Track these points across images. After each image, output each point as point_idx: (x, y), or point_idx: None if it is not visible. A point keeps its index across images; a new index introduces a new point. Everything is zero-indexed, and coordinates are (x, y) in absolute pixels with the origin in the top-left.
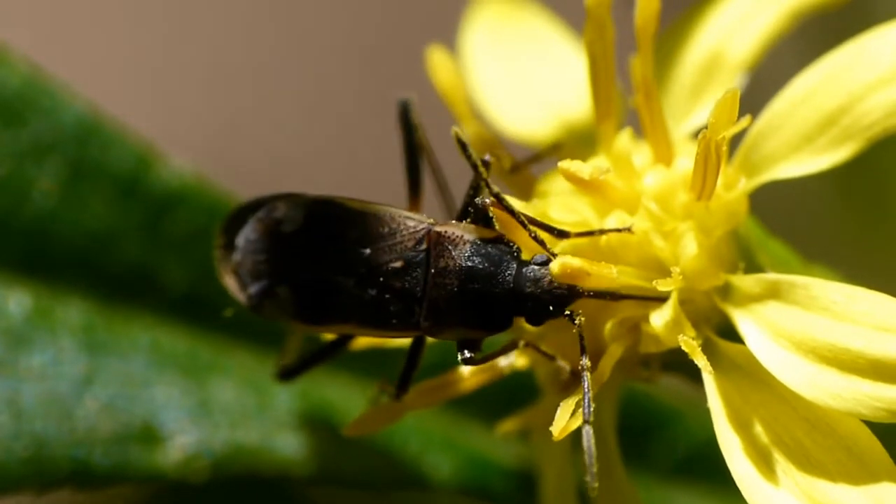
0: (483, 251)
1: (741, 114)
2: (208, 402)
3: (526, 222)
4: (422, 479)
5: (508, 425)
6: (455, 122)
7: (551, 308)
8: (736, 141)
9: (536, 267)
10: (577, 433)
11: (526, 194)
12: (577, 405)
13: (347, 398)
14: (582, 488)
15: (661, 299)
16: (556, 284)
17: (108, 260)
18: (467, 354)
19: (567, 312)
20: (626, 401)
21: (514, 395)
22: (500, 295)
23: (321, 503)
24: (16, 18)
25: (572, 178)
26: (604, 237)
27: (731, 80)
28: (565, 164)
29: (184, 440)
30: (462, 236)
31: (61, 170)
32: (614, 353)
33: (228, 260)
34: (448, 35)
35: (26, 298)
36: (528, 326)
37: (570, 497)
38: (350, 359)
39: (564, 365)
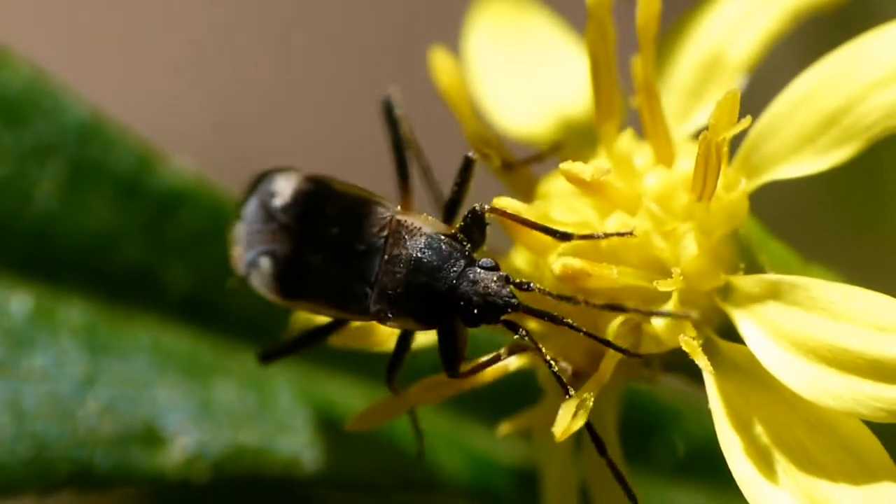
0: (435, 245)
1: (742, 114)
2: (210, 403)
3: (533, 224)
4: (424, 480)
5: (510, 426)
6: (457, 122)
7: (484, 314)
8: (737, 141)
9: (480, 270)
10: (580, 434)
11: (527, 195)
12: (579, 405)
13: (349, 399)
14: (584, 489)
15: (651, 312)
16: (491, 291)
17: (110, 261)
18: (451, 367)
19: (511, 323)
20: (628, 401)
21: (517, 395)
22: (440, 290)
23: (323, 502)
24: (17, 20)
25: (573, 180)
26: (607, 229)
27: (732, 81)
28: (566, 165)
29: (185, 441)
30: (420, 228)
31: (63, 171)
32: (616, 353)
33: (235, 232)
34: (450, 36)
35: (28, 299)
36: (530, 326)
37: (572, 498)
38: (352, 360)
39: (566, 366)
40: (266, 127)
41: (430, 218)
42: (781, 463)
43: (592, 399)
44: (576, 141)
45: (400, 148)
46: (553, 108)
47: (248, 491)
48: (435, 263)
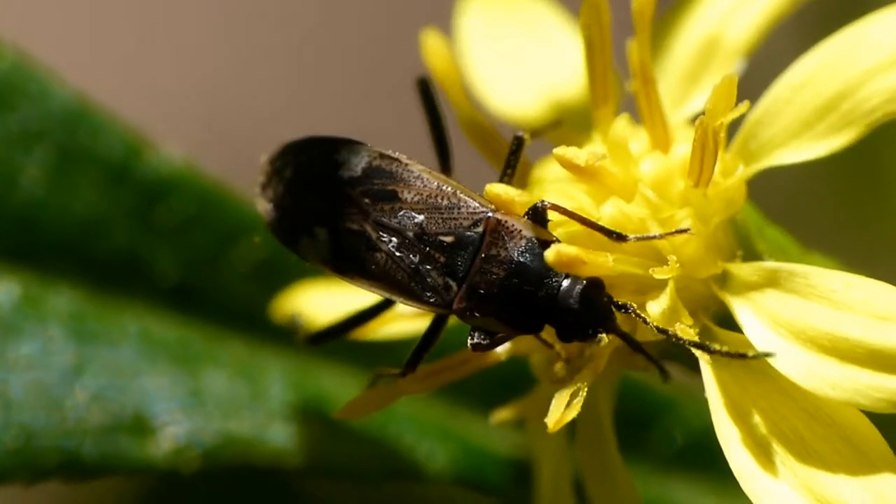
0: (538, 251)
1: (739, 99)
2: (200, 392)
3: (591, 223)
4: (416, 470)
5: (503, 415)
6: (450, 105)
7: (584, 332)
8: (734, 126)
9: (585, 286)
10: (573, 422)
11: (521, 181)
12: (573, 395)
13: (342, 389)
14: (578, 478)
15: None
16: (599, 310)
17: (98, 248)
18: (477, 340)
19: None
20: (623, 390)
21: (510, 383)
22: (541, 300)
23: (314, 495)
24: (2, 5)
25: (568, 165)
26: (602, 220)
27: (729, 65)
28: (561, 150)
29: (174, 431)
30: (521, 231)
31: (50, 157)
32: (611, 341)
33: (271, 188)
34: (442, 18)
35: (15, 287)
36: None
37: (565, 488)
38: (345, 349)
39: (561, 351)
40: (258, 114)
41: (529, 222)
42: (780, 454)
43: (587, 388)
44: (570, 125)
45: (440, 131)
46: (547, 92)
47: (237, 481)
48: (538, 270)
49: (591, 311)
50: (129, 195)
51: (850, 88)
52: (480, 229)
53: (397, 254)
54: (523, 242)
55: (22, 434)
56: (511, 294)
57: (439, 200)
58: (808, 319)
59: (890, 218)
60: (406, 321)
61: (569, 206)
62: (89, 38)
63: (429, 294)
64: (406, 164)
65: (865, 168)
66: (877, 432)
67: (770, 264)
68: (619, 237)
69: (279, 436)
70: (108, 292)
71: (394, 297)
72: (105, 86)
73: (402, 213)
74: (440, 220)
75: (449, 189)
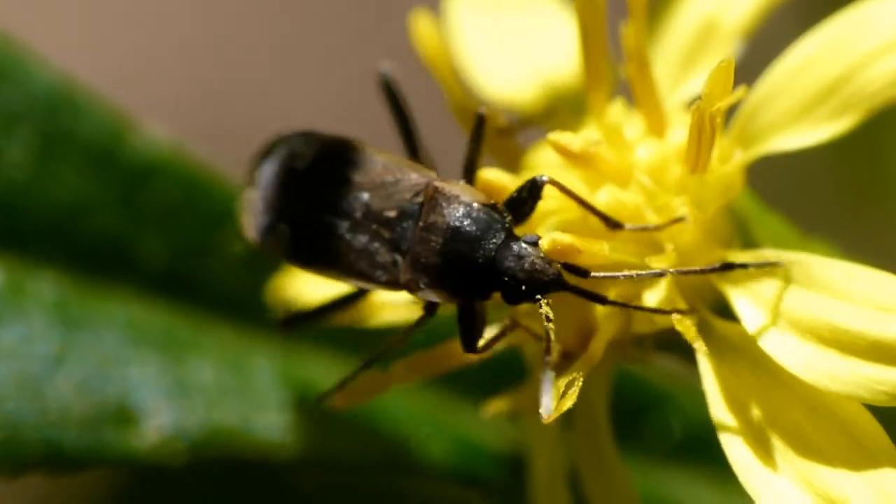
0: (474, 214)
1: (737, 83)
2: (186, 382)
3: (590, 206)
4: (407, 463)
5: (497, 406)
6: (440, 88)
7: (527, 290)
8: (733, 110)
9: (524, 245)
10: (568, 415)
11: (513, 166)
12: (568, 386)
13: (331, 378)
14: (572, 472)
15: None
16: (538, 267)
17: (82, 233)
18: (470, 343)
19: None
20: (619, 382)
21: (503, 375)
22: (479, 263)
23: (302, 489)
24: None
25: (562, 151)
26: (598, 202)
27: (727, 48)
28: (555, 135)
29: (160, 421)
30: (458, 196)
31: (32, 140)
32: (606, 332)
33: (247, 198)
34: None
35: None
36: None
37: (559, 481)
38: (333, 338)
39: (555, 344)
40: (247, 95)
41: (468, 186)
42: (779, 447)
43: (582, 379)
44: (564, 110)
45: (407, 124)
46: (540, 76)
47: (224, 474)
48: (474, 233)
49: (532, 271)
50: (114, 179)
51: (850, 72)
52: (420, 199)
53: (347, 236)
54: (461, 207)
55: (5, 425)
56: (451, 261)
57: (385, 177)
58: (807, 310)
59: (891, 204)
60: (396, 310)
61: (562, 193)
62: (76, 19)
63: (379, 273)
64: (354, 147)
65: (866, 153)
66: (878, 426)
67: (769, 253)
68: (615, 225)
69: (267, 427)
70: (92, 279)
71: (354, 283)
72: (89, 65)
73: (350, 195)
74: (385, 197)
75: (394, 165)
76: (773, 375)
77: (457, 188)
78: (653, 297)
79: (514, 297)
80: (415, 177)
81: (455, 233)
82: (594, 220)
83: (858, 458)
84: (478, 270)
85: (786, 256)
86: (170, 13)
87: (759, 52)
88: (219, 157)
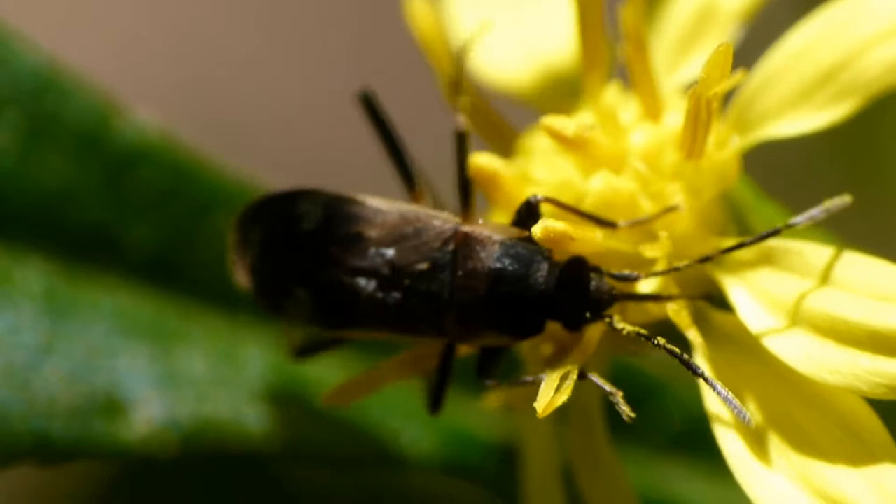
0: (513, 252)
1: (735, 68)
2: (176, 373)
3: (584, 213)
4: (399, 456)
5: (491, 400)
6: (434, 72)
7: (589, 313)
8: (730, 96)
9: (572, 269)
10: (562, 409)
11: (506, 151)
12: (562, 379)
13: (323, 371)
14: (566, 467)
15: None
16: (595, 287)
17: (68, 220)
18: (485, 371)
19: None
20: (614, 374)
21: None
22: (532, 297)
23: (294, 482)
24: None
25: (555, 135)
26: (588, 198)
27: (726, 32)
28: (549, 120)
29: (149, 412)
30: (490, 236)
31: (18, 125)
32: (600, 324)
33: (244, 257)
34: None
35: None
36: None
37: (553, 474)
38: None
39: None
40: (237, 80)
41: (496, 224)
42: (775, 442)
43: (577, 372)
44: (559, 92)
45: (396, 148)
46: (536, 58)
47: (213, 466)
48: (519, 271)
49: (582, 293)
50: (101, 165)
51: (849, 58)
52: (451, 247)
53: (379, 295)
54: (496, 248)
55: None
56: (500, 302)
57: (404, 229)
58: (804, 299)
59: (889, 192)
60: None
61: (556, 178)
62: (64, 2)
63: (422, 327)
64: (363, 201)
65: (864, 140)
66: (877, 420)
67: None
68: (610, 225)
69: (257, 419)
70: (79, 266)
71: (398, 338)
72: (77, 48)
73: (371, 252)
74: (410, 249)
75: (411, 214)
76: (769, 367)
77: (487, 229)
78: (647, 285)
79: (577, 323)
80: (438, 224)
81: (499, 275)
82: (588, 208)
83: (856, 452)
84: (532, 306)
85: (782, 245)
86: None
87: (758, 37)
88: (207, 145)
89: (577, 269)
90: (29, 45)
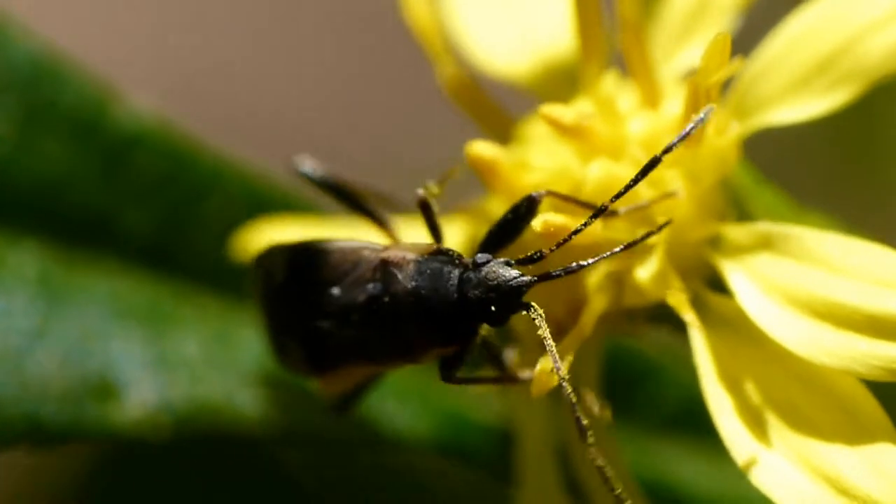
0: (424, 268)
1: (734, 55)
2: (169, 356)
3: (583, 203)
4: (394, 438)
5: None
6: (431, 60)
7: (506, 306)
8: (729, 81)
9: (479, 269)
10: (558, 390)
11: (504, 138)
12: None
13: None
14: (561, 448)
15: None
16: (500, 280)
17: (65, 205)
18: (448, 371)
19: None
20: (610, 356)
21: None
22: (449, 307)
23: (288, 465)
24: None
25: (554, 123)
26: (587, 185)
27: (723, 20)
28: (547, 108)
29: (143, 395)
30: (404, 257)
31: (14, 111)
32: (597, 306)
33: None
34: None
35: None
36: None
37: (548, 455)
38: None
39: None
40: (236, 67)
41: (413, 243)
42: (773, 423)
43: (573, 353)
44: (557, 80)
45: (353, 200)
46: (533, 45)
47: (207, 450)
48: (433, 285)
49: (495, 287)
50: (98, 151)
51: (848, 44)
52: (378, 275)
53: (341, 333)
54: (411, 267)
55: None
56: (427, 318)
57: (344, 266)
58: (803, 284)
59: (889, 178)
60: None
61: (553, 166)
62: None
63: (384, 354)
64: (317, 246)
65: (864, 127)
66: (875, 401)
67: (764, 226)
68: (611, 213)
69: (252, 401)
70: (75, 252)
71: (377, 370)
72: (78, 34)
73: (323, 295)
74: (352, 285)
75: (348, 249)
76: (767, 350)
77: (402, 250)
78: (645, 271)
79: (497, 320)
80: (367, 254)
81: (416, 293)
82: (586, 197)
83: (854, 433)
84: (453, 316)
85: (781, 230)
86: None
87: (757, 23)
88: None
89: (482, 268)
90: (25, 33)
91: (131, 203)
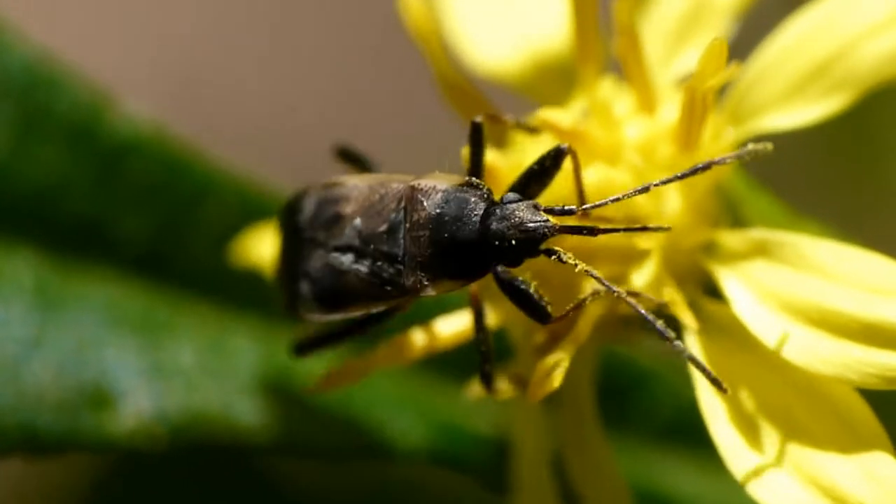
0: (452, 197)
1: (730, 60)
2: (165, 365)
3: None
4: (388, 448)
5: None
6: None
7: (524, 247)
8: (725, 87)
9: (506, 205)
10: (553, 398)
11: (500, 142)
12: (553, 367)
13: (312, 363)
14: (556, 457)
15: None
16: (525, 220)
17: (60, 213)
18: (544, 318)
19: (550, 252)
20: (606, 363)
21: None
22: (469, 238)
23: (283, 475)
24: None
25: (552, 128)
26: (585, 187)
27: (720, 25)
28: (545, 112)
29: (138, 405)
30: (434, 186)
31: (10, 117)
32: (593, 312)
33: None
34: None
35: None
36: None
37: (543, 463)
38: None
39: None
40: (232, 73)
41: (443, 174)
42: (767, 430)
43: (568, 360)
44: (554, 84)
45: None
46: (530, 49)
47: (202, 460)
48: (456, 214)
49: (519, 224)
50: (93, 158)
51: (843, 51)
52: (403, 204)
53: (354, 267)
54: (438, 196)
55: None
56: (443, 247)
57: (372, 198)
58: (797, 291)
59: (883, 185)
60: None
61: None
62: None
63: (388, 288)
64: (344, 182)
65: (858, 133)
66: (869, 409)
67: (759, 233)
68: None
69: (247, 411)
70: (71, 260)
71: (371, 310)
72: (73, 41)
73: (346, 228)
74: (375, 216)
75: (377, 183)
76: (762, 357)
77: (432, 180)
78: (641, 277)
79: (514, 258)
80: (396, 186)
81: (438, 220)
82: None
83: (849, 441)
84: (471, 247)
85: (776, 237)
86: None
87: (752, 29)
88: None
89: (509, 206)
90: (20, 39)
91: (126, 210)
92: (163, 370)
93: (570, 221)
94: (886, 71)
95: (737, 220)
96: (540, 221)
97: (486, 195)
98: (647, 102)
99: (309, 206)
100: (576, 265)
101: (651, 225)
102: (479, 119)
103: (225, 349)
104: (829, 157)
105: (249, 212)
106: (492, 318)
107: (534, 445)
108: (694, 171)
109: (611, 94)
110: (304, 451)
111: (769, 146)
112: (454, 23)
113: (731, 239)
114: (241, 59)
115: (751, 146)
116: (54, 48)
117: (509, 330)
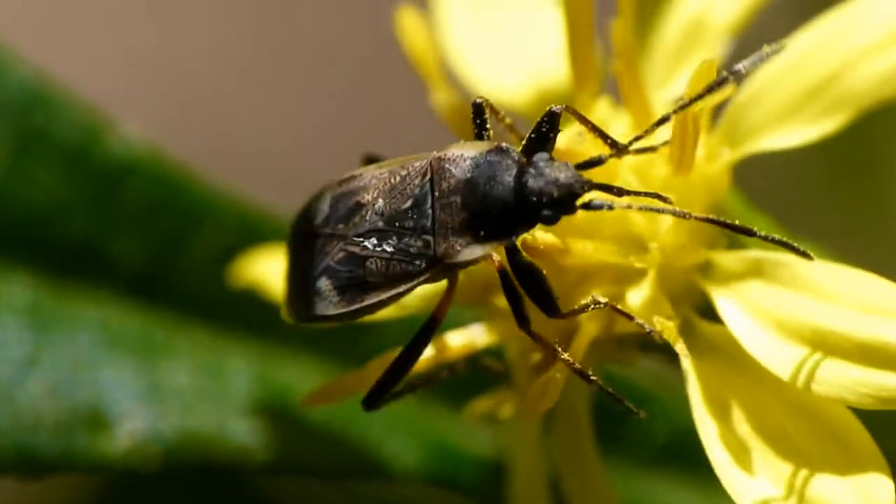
0: (482, 161)
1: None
2: (161, 386)
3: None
4: (384, 468)
5: (477, 409)
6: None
7: (563, 201)
8: (722, 107)
9: (539, 162)
10: (550, 418)
11: None
12: (549, 383)
13: (307, 381)
14: (553, 476)
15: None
16: (563, 176)
17: (56, 234)
18: (552, 310)
19: (587, 206)
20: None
21: (484, 377)
22: (504, 197)
23: (278, 496)
24: None
25: None
26: (579, 210)
27: (716, 45)
28: None
29: (134, 426)
30: (462, 154)
31: (6, 140)
32: (588, 332)
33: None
34: None
35: None
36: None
37: (540, 484)
38: (310, 341)
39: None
40: (228, 96)
41: (466, 142)
42: (762, 451)
43: (564, 378)
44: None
45: None
46: (527, 72)
47: (196, 481)
48: (488, 176)
49: (555, 180)
50: (89, 180)
51: (839, 71)
52: (429, 177)
53: (379, 249)
54: (468, 162)
55: None
56: (478, 209)
57: (393, 181)
58: (793, 312)
59: (880, 205)
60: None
61: None
62: (61, 15)
63: (417, 262)
64: (360, 174)
65: (854, 154)
66: (864, 429)
67: (754, 253)
68: (623, 148)
69: (242, 432)
70: (66, 281)
71: (399, 291)
72: (70, 62)
73: (367, 214)
74: (398, 195)
75: (397, 165)
76: (757, 378)
77: (457, 148)
78: (636, 296)
79: (551, 215)
80: (418, 164)
81: (470, 184)
82: (577, 219)
83: (843, 462)
84: (506, 206)
85: (772, 257)
86: (152, 22)
87: (748, 50)
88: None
89: (542, 165)
90: (18, 59)
91: (123, 231)
92: (158, 391)
93: (597, 177)
94: (884, 91)
95: (733, 240)
96: (576, 178)
97: (516, 158)
98: (644, 124)
99: (324, 207)
100: (627, 206)
101: (664, 207)
102: (479, 100)
103: (221, 370)
104: (827, 178)
105: (246, 234)
106: (488, 337)
107: (531, 466)
108: (692, 101)
109: (607, 115)
110: (299, 472)
111: (784, 44)
112: (450, 43)
113: (727, 259)
114: (239, 82)
115: (766, 48)
116: (52, 70)
117: (505, 348)
